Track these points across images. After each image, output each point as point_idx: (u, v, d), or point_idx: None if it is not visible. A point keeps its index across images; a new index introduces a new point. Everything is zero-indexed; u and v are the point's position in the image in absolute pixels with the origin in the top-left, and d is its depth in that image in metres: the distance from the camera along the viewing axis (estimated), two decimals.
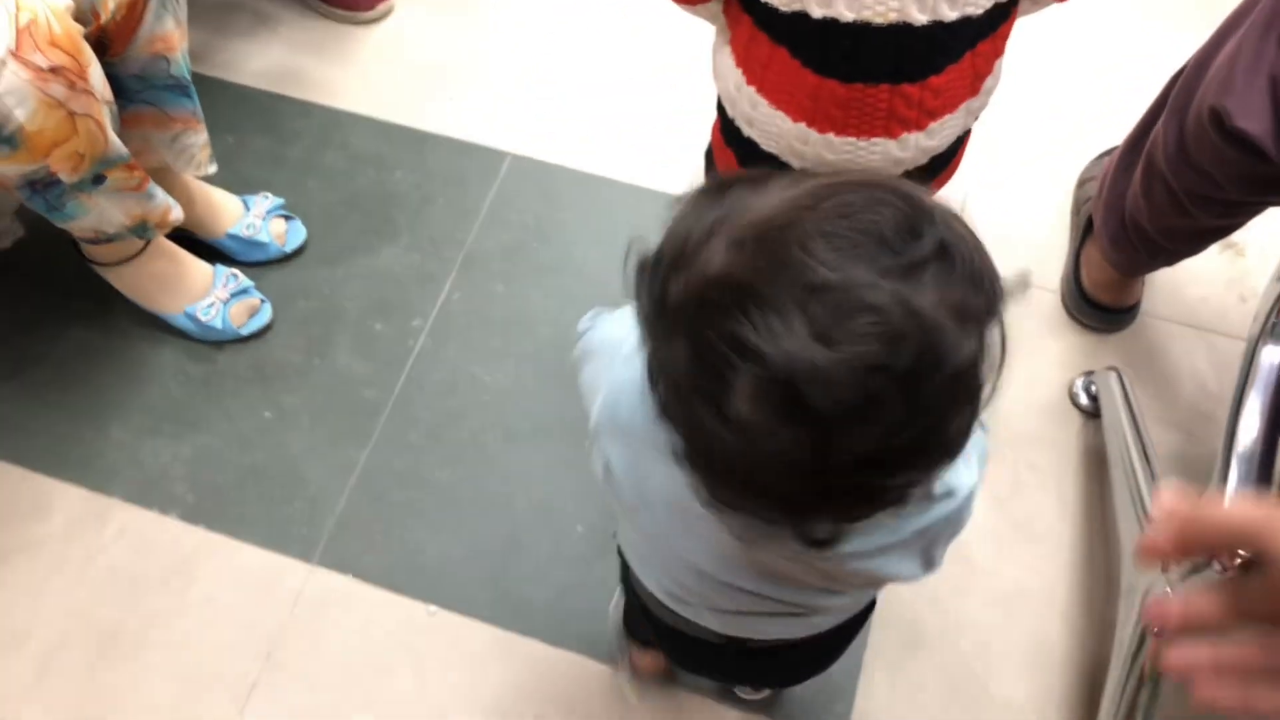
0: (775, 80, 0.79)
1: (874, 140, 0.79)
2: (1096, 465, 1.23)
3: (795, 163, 0.82)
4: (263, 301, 1.31)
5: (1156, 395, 1.28)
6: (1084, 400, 1.27)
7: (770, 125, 0.82)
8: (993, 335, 0.45)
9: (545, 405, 1.26)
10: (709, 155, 0.98)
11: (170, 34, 1.08)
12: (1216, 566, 0.50)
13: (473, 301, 1.34)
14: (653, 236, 0.50)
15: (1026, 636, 1.15)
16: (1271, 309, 0.94)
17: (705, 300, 0.44)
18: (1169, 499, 0.44)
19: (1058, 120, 1.49)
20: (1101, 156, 1.42)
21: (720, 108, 0.90)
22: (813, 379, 0.41)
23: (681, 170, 1.43)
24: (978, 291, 0.44)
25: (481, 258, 1.38)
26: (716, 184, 0.50)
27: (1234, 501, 0.44)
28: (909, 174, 0.83)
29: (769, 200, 0.46)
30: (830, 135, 0.79)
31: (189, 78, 1.15)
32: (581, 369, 0.68)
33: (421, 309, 1.34)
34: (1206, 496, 0.45)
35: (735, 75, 0.82)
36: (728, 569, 0.63)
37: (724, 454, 0.45)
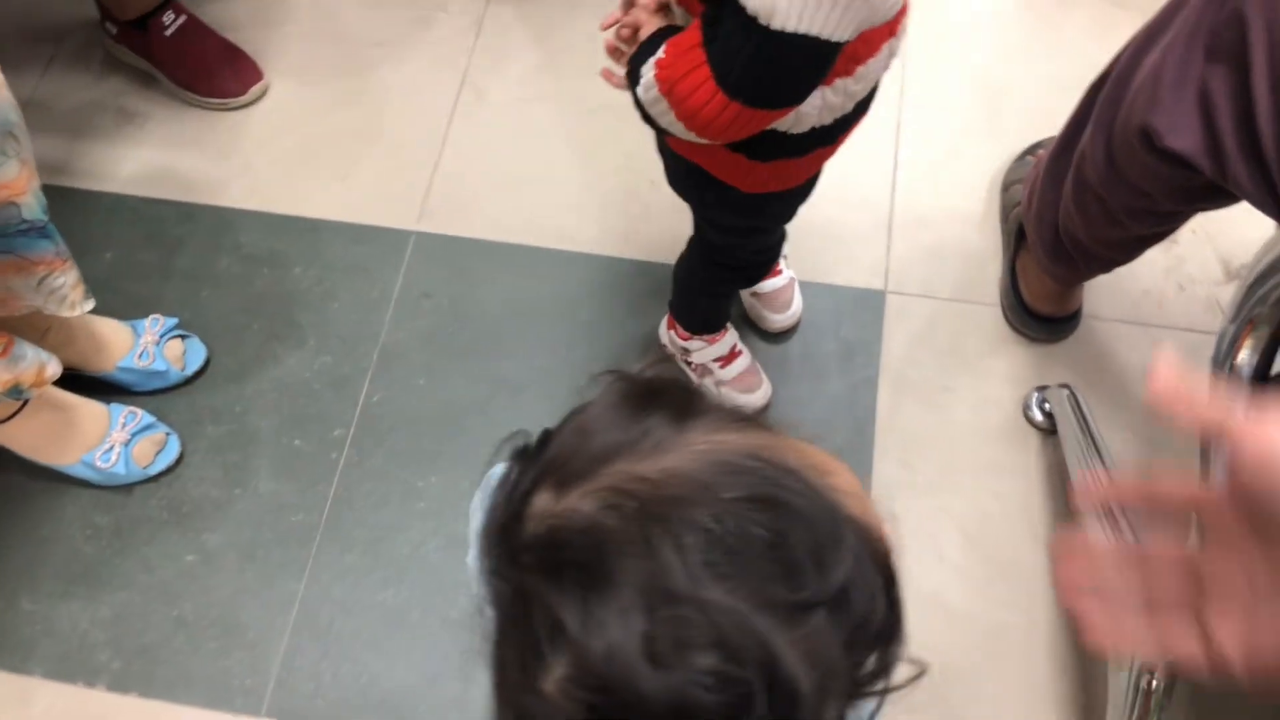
0: None
1: None
2: (1061, 482, 1.20)
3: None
4: (168, 434, 1.22)
5: (1111, 400, 1.25)
6: (1039, 417, 1.23)
7: None
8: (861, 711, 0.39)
9: None
10: (702, 177, 0.88)
11: (14, 179, 0.98)
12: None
13: (395, 401, 1.26)
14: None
15: (1015, 677, 1.11)
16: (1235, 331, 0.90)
17: (550, 551, 0.38)
18: (1165, 369, 0.40)
19: (975, 123, 1.44)
20: (1024, 156, 1.38)
21: None
22: (626, 698, 0.35)
23: (598, 225, 1.36)
24: (858, 651, 0.38)
25: (398, 351, 1.30)
26: (644, 390, 0.42)
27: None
28: (840, 121, 0.81)
29: (681, 454, 0.38)
30: None
31: (45, 218, 1.04)
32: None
33: (341, 417, 1.25)
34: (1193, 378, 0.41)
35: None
36: None
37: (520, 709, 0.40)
